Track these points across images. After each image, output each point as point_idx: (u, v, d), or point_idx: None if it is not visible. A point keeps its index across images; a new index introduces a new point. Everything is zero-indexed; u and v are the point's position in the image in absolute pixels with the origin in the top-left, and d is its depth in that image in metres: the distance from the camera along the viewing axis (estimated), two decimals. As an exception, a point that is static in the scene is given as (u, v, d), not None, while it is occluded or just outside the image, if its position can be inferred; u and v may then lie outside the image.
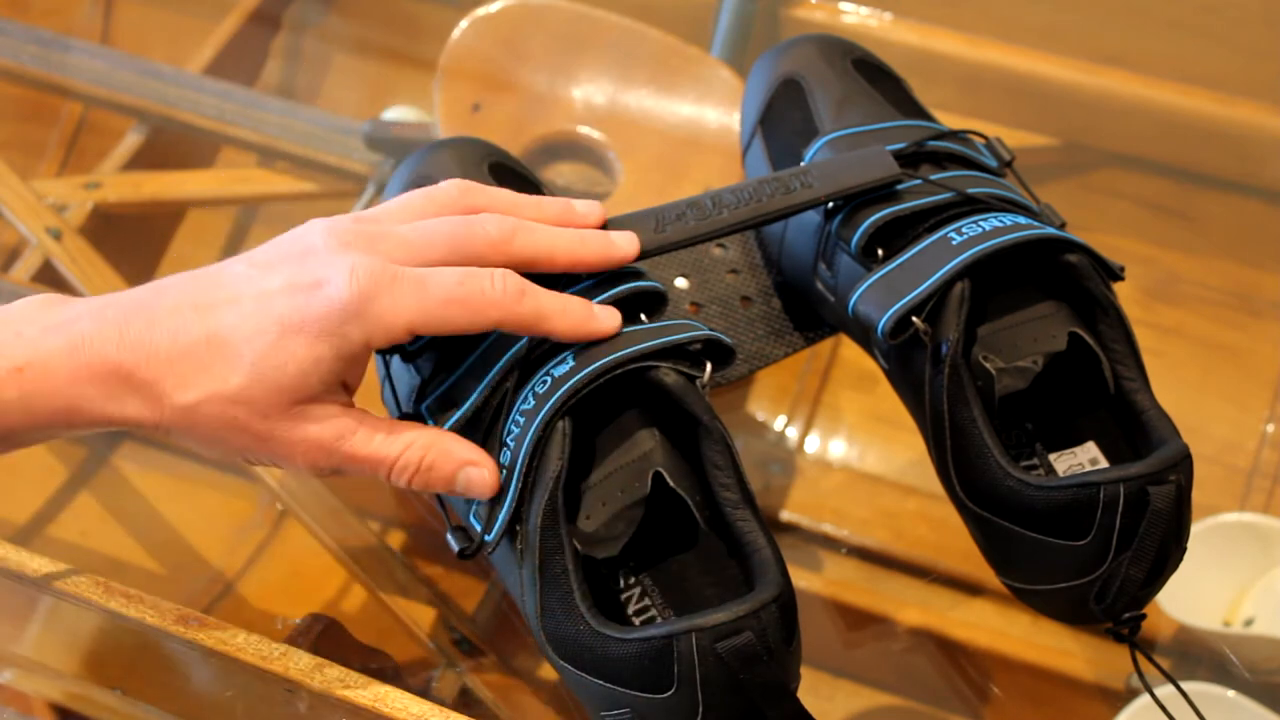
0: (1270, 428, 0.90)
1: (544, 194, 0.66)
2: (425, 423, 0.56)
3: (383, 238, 0.51)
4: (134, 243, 0.98)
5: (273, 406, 0.49)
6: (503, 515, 0.51)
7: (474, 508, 0.54)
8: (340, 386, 0.51)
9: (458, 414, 0.55)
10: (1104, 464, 0.60)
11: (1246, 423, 0.90)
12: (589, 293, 0.56)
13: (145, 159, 0.99)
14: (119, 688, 0.65)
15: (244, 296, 0.49)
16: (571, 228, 0.55)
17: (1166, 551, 0.53)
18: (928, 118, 0.68)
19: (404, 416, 0.57)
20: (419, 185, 0.64)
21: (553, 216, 0.55)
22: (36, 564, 0.58)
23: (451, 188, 0.55)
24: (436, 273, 0.50)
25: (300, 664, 0.55)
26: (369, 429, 0.51)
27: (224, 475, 0.89)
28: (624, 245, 0.56)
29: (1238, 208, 0.99)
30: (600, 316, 0.53)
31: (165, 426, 0.49)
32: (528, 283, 0.52)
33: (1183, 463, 0.53)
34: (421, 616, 0.75)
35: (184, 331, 0.49)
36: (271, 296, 0.49)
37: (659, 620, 0.56)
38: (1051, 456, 0.61)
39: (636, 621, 0.56)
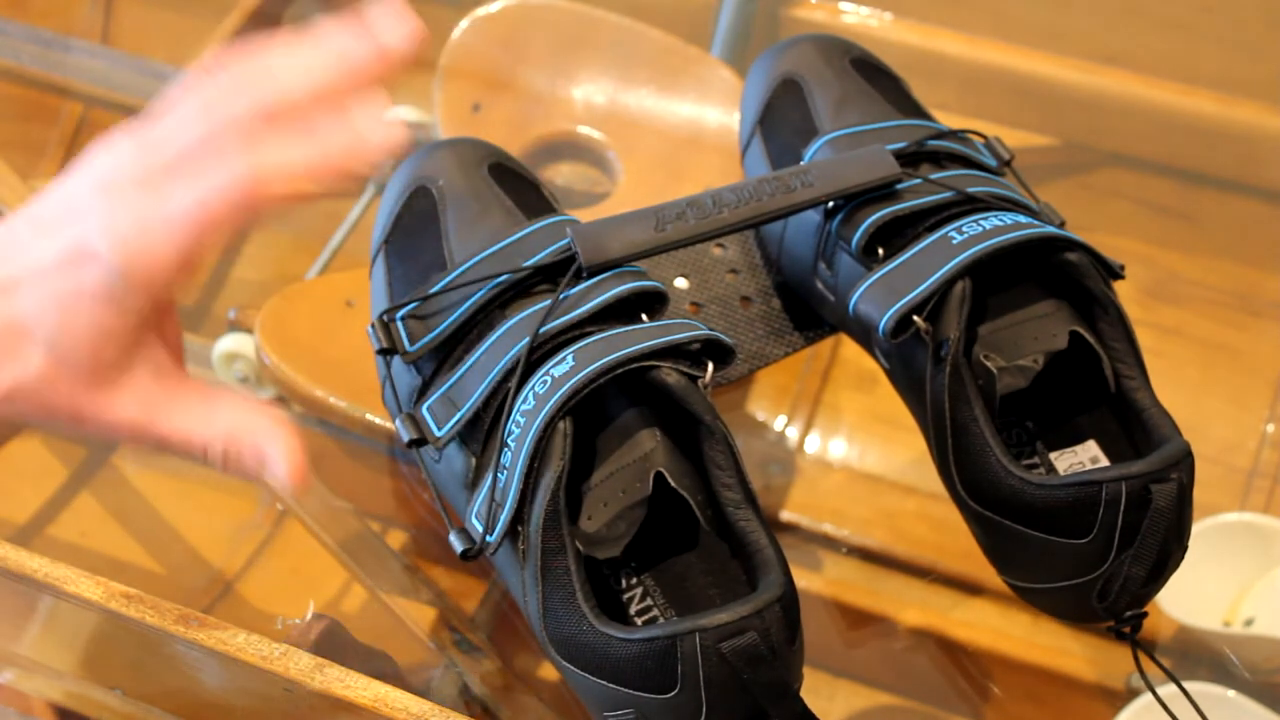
0: (1270, 428, 0.90)
1: (544, 192, 0.66)
2: (431, 430, 0.55)
3: (140, 162, 0.49)
4: (134, 243, 0.98)
5: (77, 386, 0.49)
6: (504, 516, 0.51)
7: (475, 509, 0.54)
8: (152, 347, 0.50)
9: (458, 415, 0.55)
10: (1104, 462, 0.60)
11: (1246, 423, 0.90)
12: (589, 293, 0.56)
13: (145, 159, 0.98)
14: (119, 688, 0.65)
15: (24, 277, 0.49)
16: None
17: (1168, 549, 0.53)
18: (926, 117, 0.68)
19: (406, 418, 0.57)
20: (418, 186, 0.64)
21: (316, 60, 0.51)
22: (36, 564, 0.58)
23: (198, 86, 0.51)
24: (175, 198, 0.48)
25: (300, 664, 0.55)
26: (179, 405, 0.50)
27: (224, 475, 0.89)
28: (392, 33, 0.51)
29: (1238, 208, 0.99)
30: (368, 132, 0.49)
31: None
32: (258, 145, 0.48)
33: (1184, 461, 0.53)
34: (421, 616, 0.75)
35: None
36: (48, 274, 0.48)
37: (661, 621, 0.56)
38: (1052, 455, 0.61)
39: (638, 622, 0.56)
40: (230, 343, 0.82)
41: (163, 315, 0.51)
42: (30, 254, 0.49)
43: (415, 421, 0.56)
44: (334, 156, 0.49)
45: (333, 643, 0.68)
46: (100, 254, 0.48)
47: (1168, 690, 0.58)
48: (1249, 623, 0.78)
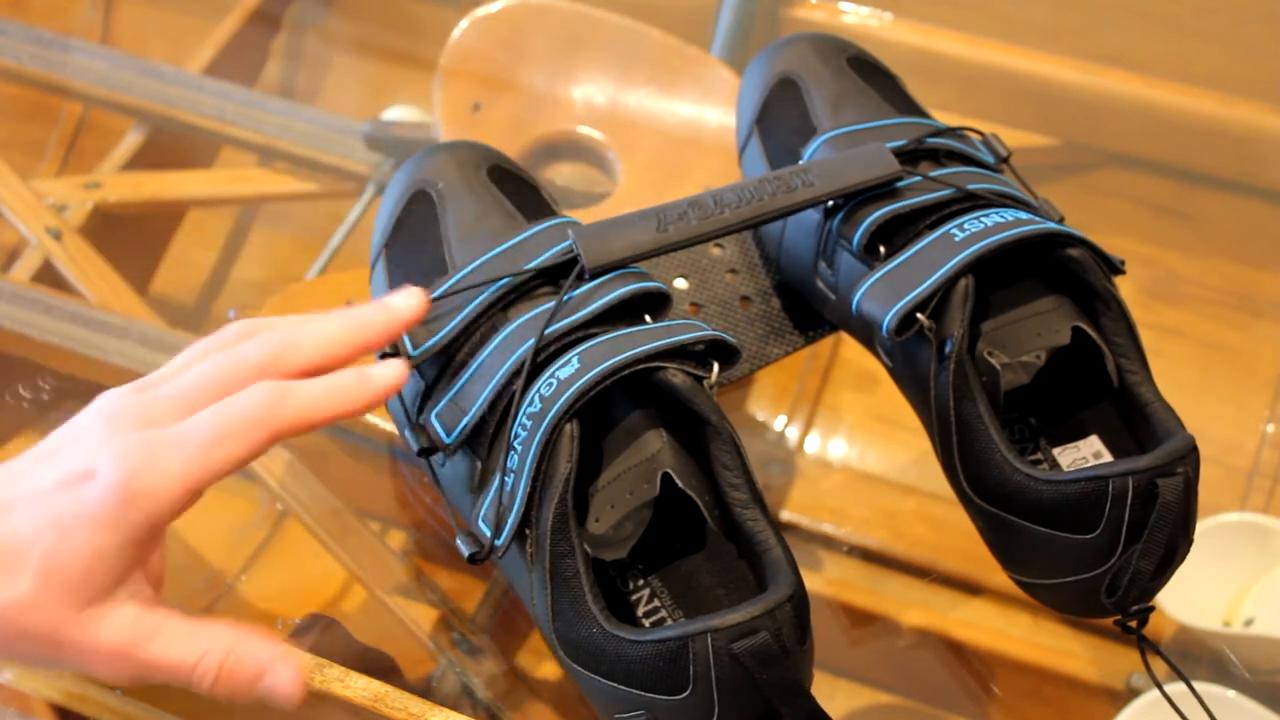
0: (1270, 428, 0.90)
1: (543, 195, 0.66)
2: (440, 437, 0.55)
3: (152, 403, 0.50)
4: (134, 243, 0.98)
5: (64, 609, 0.47)
6: (511, 519, 0.51)
7: (482, 512, 0.54)
8: (137, 580, 0.49)
9: (465, 420, 0.55)
10: (1108, 457, 0.60)
11: (1246, 423, 0.90)
12: (592, 295, 0.56)
13: (145, 159, 0.98)
14: (119, 688, 0.65)
15: (21, 498, 0.48)
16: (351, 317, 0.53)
17: (1175, 543, 0.53)
18: (924, 115, 0.68)
19: (415, 427, 0.57)
20: (418, 190, 0.64)
21: (335, 329, 0.53)
22: (37, 564, 0.58)
23: (228, 330, 0.53)
24: (192, 421, 0.49)
25: (300, 664, 0.55)
26: (167, 632, 0.49)
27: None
28: (403, 307, 0.54)
29: (1238, 208, 0.99)
30: (377, 374, 0.52)
31: None
32: (285, 382, 0.50)
33: (1190, 455, 0.53)
34: (421, 616, 0.75)
35: None
36: (46, 495, 0.48)
37: (669, 622, 0.56)
38: (1055, 450, 0.61)
39: (646, 623, 0.56)
40: (230, 343, 0.82)
41: (151, 546, 0.49)
42: (29, 479, 0.49)
43: (424, 430, 0.56)
44: (349, 396, 0.51)
45: (333, 643, 0.68)
46: (103, 472, 0.47)
47: (1169, 689, 0.58)
48: (1249, 623, 0.78)
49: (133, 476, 0.47)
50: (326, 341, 0.52)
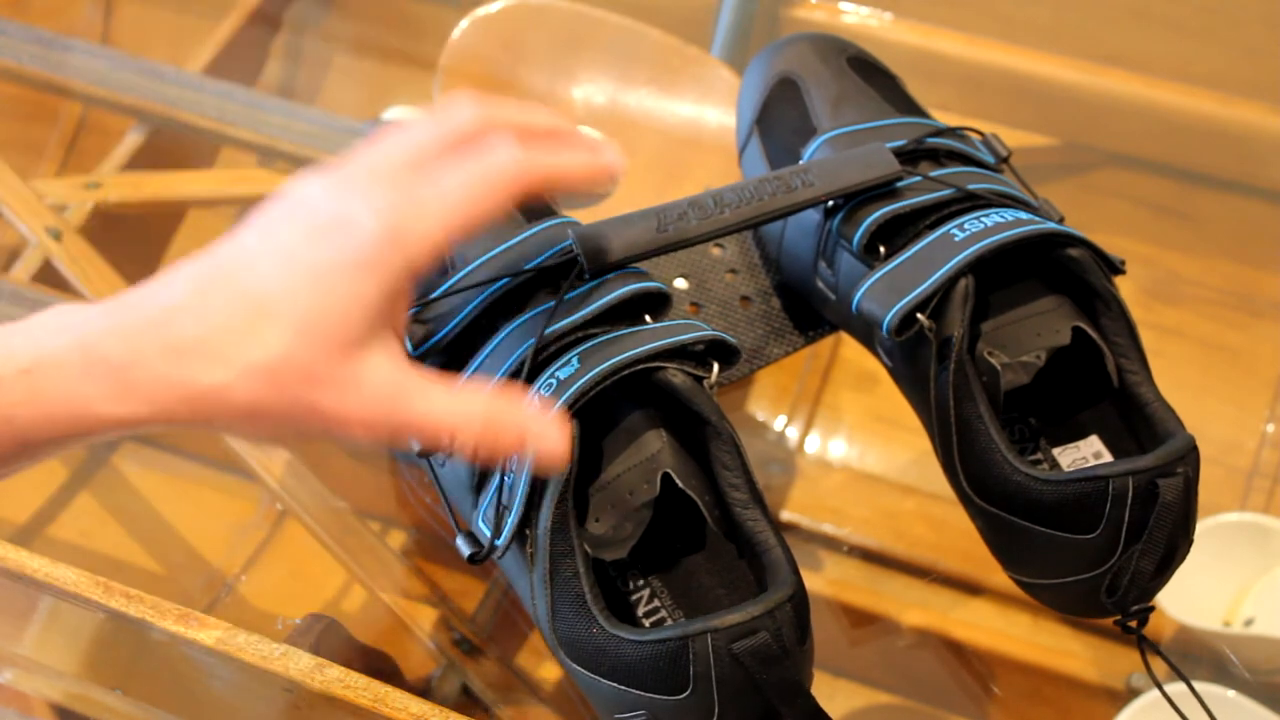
0: (1270, 428, 0.90)
1: (543, 197, 0.66)
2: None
3: (381, 164, 0.48)
4: (134, 243, 0.98)
5: (320, 363, 0.44)
6: (511, 520, 0.51)
7: (482, 512, 0.54)
8: (391, 335, 0.46)
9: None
10: (1108, 457, 0.60)
11: (1246, 423, 0.90)
12: (592, 295, 0.56)
13: (145, 159, 0.98)
14: (119, 688, 0.65)
15: (262, 256, 0.45)
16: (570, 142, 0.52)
17: (1175, 543, 0.53)
18: (924, 115, 0.68)
19: None
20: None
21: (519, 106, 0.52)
22: (36, 564, 0.58)
23: (408, 109, 0.51)
24: (443, 171, 0.47)
25: (300, 664, 0.55)
26: (425, 389, 0.46)
27: (224, 475, 0.89)
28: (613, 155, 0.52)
29: (1238, 208, 0.99)
30: (607, 152, 0.51)
31: (198, 416, 0.45)
32: (527, 144, 0.49)
33: (1190, 455, 0.53)
34: (421, 616, 0.75)
35: (209, 308, 0.45)
36: (293, 249, 0.45)
37: (669, 622, 0.56)
38: (1055, 451, 0.61)
39: (646, 623, 0.56)
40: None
41: (404, 297, 0.47)
42: (266, 237, 0.46)
43: None
44: (588, 165, 0.50)
45: (333, 643, 0.68)
46: (361, 218, 0.45)
47: (1169, 689, 0.58)
48: (1249, 623, 0.78)
49: (398, 218, 0.45)
50: (527, 114, 0.51)
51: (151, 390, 0.44)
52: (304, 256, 0.45)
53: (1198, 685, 0.72)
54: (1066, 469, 0.60)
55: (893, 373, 0.62)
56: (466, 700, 0.72)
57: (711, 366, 0.55)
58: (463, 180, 0.47)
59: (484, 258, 0.59)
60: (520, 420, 0.47)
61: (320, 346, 0.44)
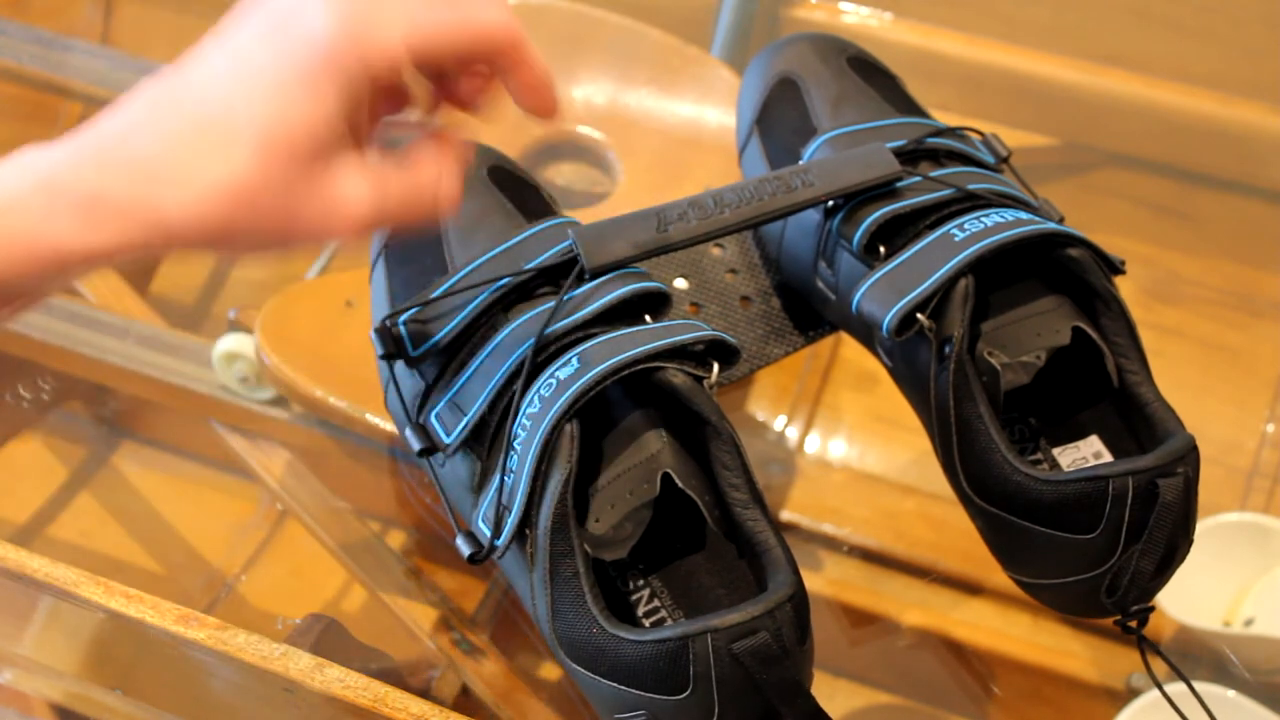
0: (1270, 428, 0.90)
1: (543, 195, 0.66)
2: (440, 438, 0.55)
3: None
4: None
5: (292, 172, 0.43)
6: (512, 520, 0.51)
7: (482, 512, 0.54)
8: (352, 140, 0.45)
9: (465, 420, 0.55)
10: (1108, 457, 0.60)
11: (1246, 423, 0.90)
12: (592, 295, 0.56)
13: (145, 159, 0.98)
14: (119, 688, 0.65)
15: (218, 65, 0.44)
16: None
17: (1175, 543, 0.53)
18: (924, 115, 0.68)
19: (415, 427, 0.57)
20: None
21: None
22: (36, 564, 0.58)
23: None
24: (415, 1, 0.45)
25: (300, 664, 0.55)
26: (390, 170, 0.46)
27: (224, 475, 0.89)
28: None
29: (1238, 208, 0.99)
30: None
31: (171, 240, 0.43)
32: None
33: (1190, 455, 0.53)
34: (421, 616, 0.75)
35: (166, 127, 0.43)
36: (247, 52, 0.43)
37: (669, 622, 0.56)
38: (1055, 451, 0.61)
39: (646, 624, 0.56)
40: (230, 343, 0.82)
41: (365, 109, 0.45)
42: (222, 48, 0.44)
43: (424, 430, 0.56)
44: (549, 77, 0.49)
45: (333, 643, 0.68)
46: (314, 18, 0.43)
47: (1169, 689, 0.58)
48: (1249, 623, 0.78)
49: (355, 20, 0.43)
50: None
51: (118, 218, 0.43)
52: (261, 63, 0.43)
53: (1198, 685, 0.72)
54: (1066, 469, 0.60)
55: (893, 373, 0.62)
56: (466, 700, 0.72)
57: (711, 366, 0.55)
58: (434, 6, 0.45)
59: (484, 258, 0.59)
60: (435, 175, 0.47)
61: (286, 156, 0.43)
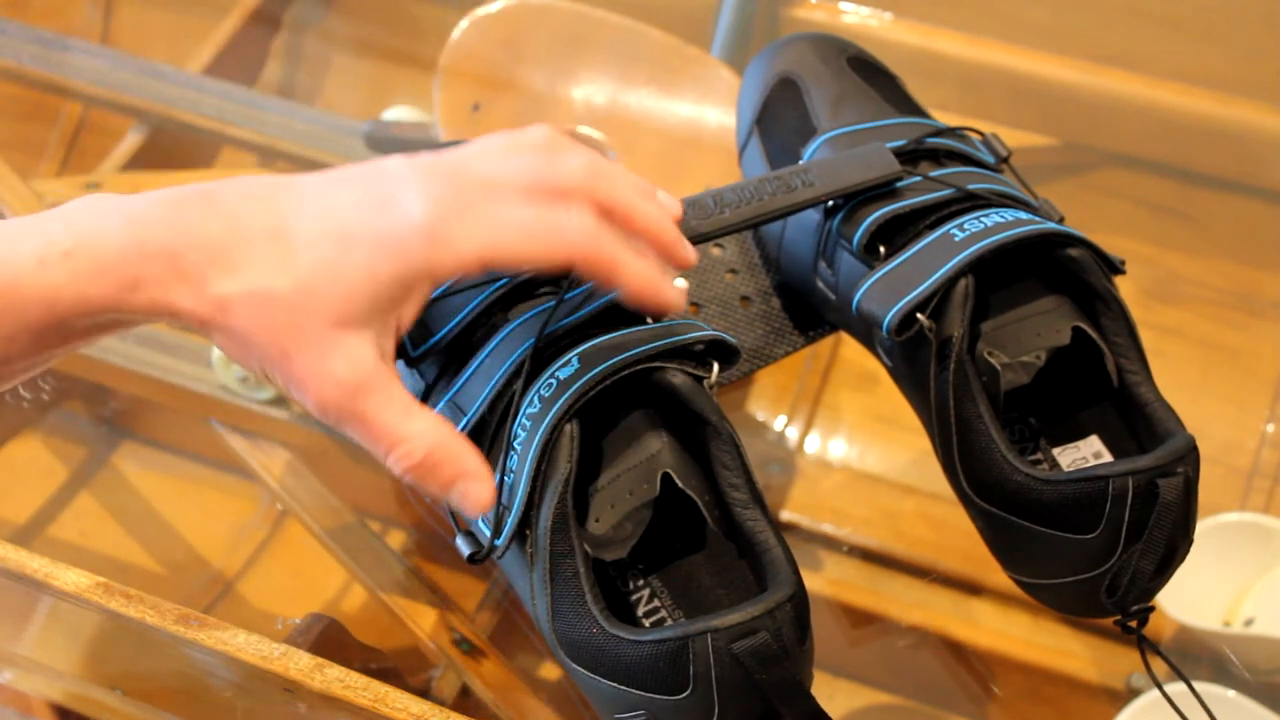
0: (1270, 428, 0.90)
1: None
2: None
3: (463, 170, 0.49)
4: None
5: (312, 320, 0.45)
6: (511, 520, 0.51)
7: None
8: (387, 329, 0.47)
9: (464, 420, 0.55)
10: (1108, 457, 0.60)
11: (1246, 423, 0.90)
12: (592, 295, 0.56)
13: (145, 159, 0.99)
14: (119, 688, 0.65)
15: (310, 201, 0.47)
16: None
17: (1175, 543, 0.53)
18: (924, 115, 0.68)
19: None
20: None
21: (634, 183, 0.52)
22: (36, 564, 0.58)
23: (537, 132, 0.51)
24: (513, 205, 0.48)
25: (300, 664, 0.55)
26: (390, 396, 0.47)
27: (224, 475, 0.89)
28: (687, 249, 0.53)
29: (1238, 208, 0.99)
30: (671, 286, 0.51)
31: (203, 319, 0.46)
32: (605, 226, 0.49)
33: (1190, 455, 0.53)
34: (421, 616, 0.75)
35: (243, 220, 0.46)
36: (340, 207, 0.47)
37: (669, 622, 0.56)
38: (1055, 451, 0.61)
39: (646, 624, 0.56)
40: (230, 343, 0.82)
41: (415, 299, 0.48)
42: (323, 193, 0.47)
43: None
44: (646, 284, 0.50)
45: (333, 643, 0.68)
46: (408, 203, 0.46)
47: (1169, 689, 0.58)
48: (1249, 623, 0.78)
49: (437, 217, 0.46)
50: (633, 202, 0.50)
51: (181, 283, 0.45)
52: (342, 217, 0.46)
53: (1198, 685, 0.72)
54: (1066, 469, 0.60)
55: (893, 373, 0.62)
56: (466, 700, 0.72)
57: (711, 366, 0.55)
58: (524, 223, 0.48)
59: (484, 258, 0.59)
60: (460, 468, 0.48)
61: (316, 303, 0.45)
